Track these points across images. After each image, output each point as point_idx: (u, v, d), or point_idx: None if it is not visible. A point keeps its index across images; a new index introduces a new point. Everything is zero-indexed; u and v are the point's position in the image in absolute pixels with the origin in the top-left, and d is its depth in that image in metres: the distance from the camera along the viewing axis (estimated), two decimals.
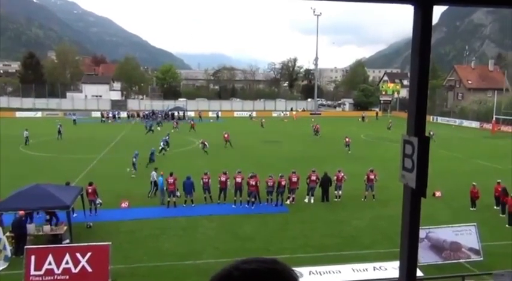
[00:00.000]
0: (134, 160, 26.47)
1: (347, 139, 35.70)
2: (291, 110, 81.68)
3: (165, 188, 19.89)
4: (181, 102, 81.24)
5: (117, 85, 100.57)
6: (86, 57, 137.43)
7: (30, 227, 15.38)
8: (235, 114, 79.41)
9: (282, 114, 77.83)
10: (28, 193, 15.20)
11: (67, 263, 12.39)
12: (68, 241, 15.03)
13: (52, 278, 12.23)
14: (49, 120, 55.36)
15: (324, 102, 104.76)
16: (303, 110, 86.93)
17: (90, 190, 18.96)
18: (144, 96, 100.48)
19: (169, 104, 77.14)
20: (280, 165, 25.99)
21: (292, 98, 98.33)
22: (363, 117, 66.19)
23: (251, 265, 0.96)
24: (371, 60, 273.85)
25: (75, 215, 17.12)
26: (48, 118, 62.20)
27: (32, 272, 12.21)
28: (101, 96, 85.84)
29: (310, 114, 78.26)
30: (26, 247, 13.16)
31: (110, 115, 65.51)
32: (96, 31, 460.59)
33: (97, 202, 19.19)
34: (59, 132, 41.49)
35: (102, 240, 13.73)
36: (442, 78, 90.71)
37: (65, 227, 15.70)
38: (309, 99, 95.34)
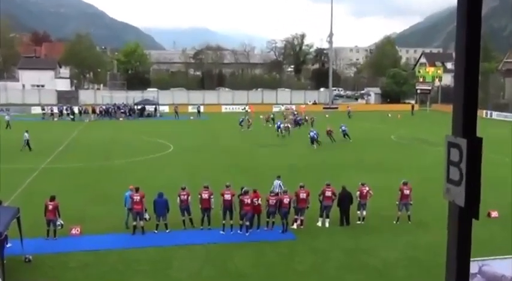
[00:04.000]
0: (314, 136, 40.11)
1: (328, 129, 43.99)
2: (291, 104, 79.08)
3: (129, 208, 19.35)
4: (151, 93, 79.94)
5: (65, 71, 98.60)
6: (24, 35, 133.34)
7: None
8: (224, 108, 78.17)
9: (283, 107, 75.52)
10: None
11: None
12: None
13: None
14: None
15: (342, 93, 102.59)
16: (314, 103, 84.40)
17: (51, 207, 18.76)
18: (102, 86, 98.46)
19: (135, 96, 75.21)
20: (282, 177, 24.70)
21: (299, 87, 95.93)
22: (389, 114, 64.71)
23: None
24: (403, 37, 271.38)
25: (9, 245, 16.51)
26: None
27: None
28: (43, 86, 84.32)
29: (324, 108, 76.85)
30: None
31: (56, 111, 63.84)
32: (37, 1, 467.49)
33: (58, 223, 19.00)
34: None
35: (46, 278, 13.66)
36: (496, 60, 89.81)
37: None
38: (322, 89, 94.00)
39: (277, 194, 20.08)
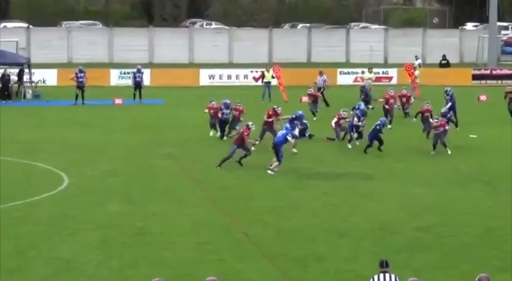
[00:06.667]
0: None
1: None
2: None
3: None
4: (10, 34, 76.61)
5: None
6: None
7: None
8: (205, 76, 69.26)
9: (371, 74, 62.06)
10: None
11: None
12: None
13: None
14: None
15: None
16: (444, 63, 72.24)
17: None
18: None
19: None
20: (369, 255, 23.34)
21: (407, 22, 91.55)
22: None
23: None
24: None
25: None
26: None
27: None
28: None
29: (474, 77, 67.68)
30: None
31: None
32: None
33: None
34: None
35: None
36: None
37: None
38: (469, 25, 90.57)
39: None
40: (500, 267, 22.87)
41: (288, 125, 39.83)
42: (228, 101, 44.67)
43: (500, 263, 23.38)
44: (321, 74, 57.76)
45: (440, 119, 39.12)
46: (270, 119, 44.23)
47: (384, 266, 19.49)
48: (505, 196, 33.75)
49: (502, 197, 33.64)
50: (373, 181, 37.48)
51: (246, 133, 39.05)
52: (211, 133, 44.31)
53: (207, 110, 47.34)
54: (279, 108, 45.58)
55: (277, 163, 36.56)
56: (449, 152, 38.14)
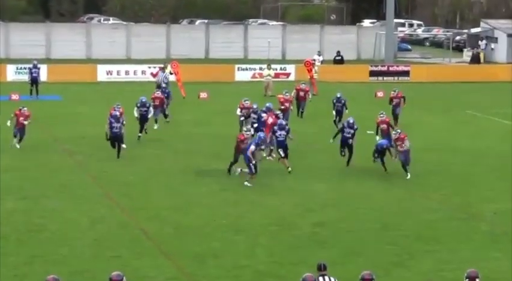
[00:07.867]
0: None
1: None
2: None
3: None
4: None
5: None
6: None
7: None
8: (103, 72, 68.11)
9: (270, 70, 63.45)
10: None
11: None
12: None
13: None
14: None
15: (421, 32, 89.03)
16: (338, 59, 72.23)
17: None
18: None
19: None
20: None
21: (305, 18, 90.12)
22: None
23: None
24: None
25: None
26: None
27: None
28: None
29: (372, 74, 68.73)
30: None
31: None
32: None
33: None
34: None
35: None
36: None
37: None
38: (366, 22, 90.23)
39: None
40: (396, 262, 23.78)
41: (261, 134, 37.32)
42: (118, 113, 40.06)
43: (396, 259, 24.11)
44: (163, 70, 56.77)
45: (399, 131, 36.16)
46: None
47: (322, 269, 19.55)
48: (401, 192, 34.38)
49: (398, 192, 34.13)
50: (271, 177, 37.00)
51: (240, 139, 36.54)
52: (14, 141, 41.50)
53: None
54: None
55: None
56: (409, 177, 35.38)
